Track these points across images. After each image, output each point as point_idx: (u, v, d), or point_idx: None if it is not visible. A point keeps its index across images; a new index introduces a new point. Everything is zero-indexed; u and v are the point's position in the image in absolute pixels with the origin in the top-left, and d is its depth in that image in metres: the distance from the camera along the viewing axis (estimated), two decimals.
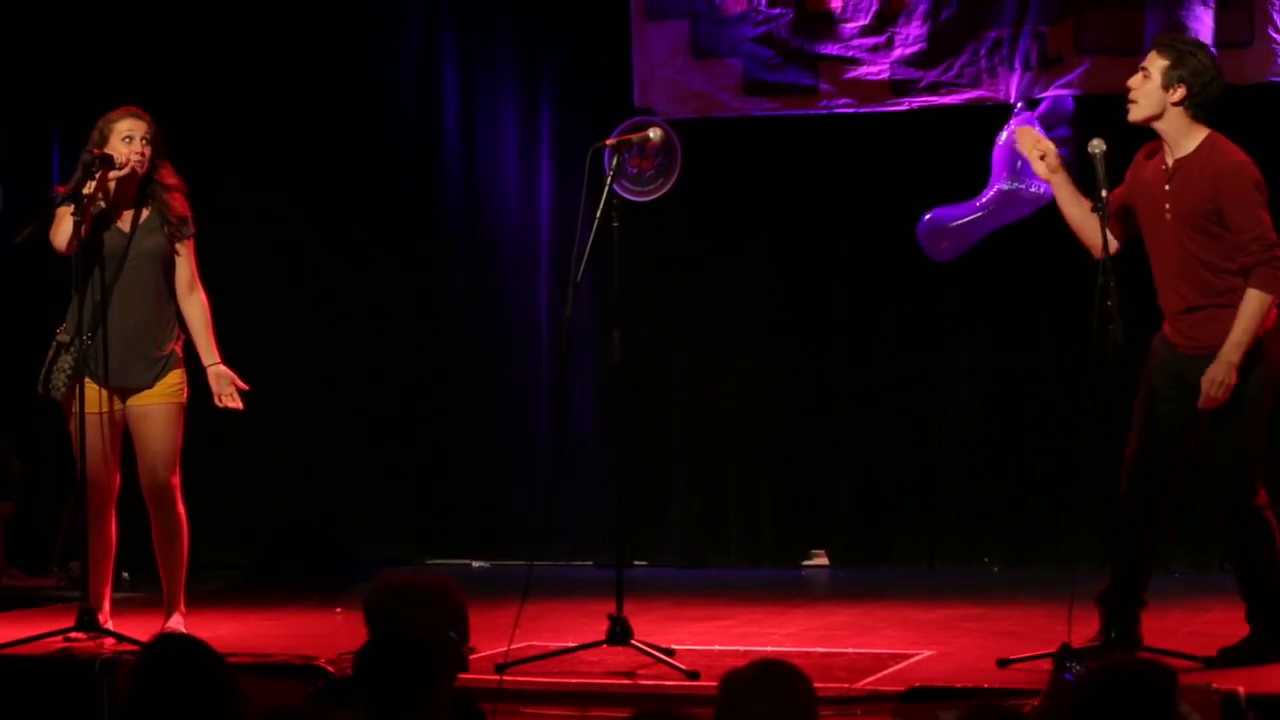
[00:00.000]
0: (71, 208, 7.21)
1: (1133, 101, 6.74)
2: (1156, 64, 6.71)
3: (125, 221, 7.41)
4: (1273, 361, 6.66)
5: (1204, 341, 6.66)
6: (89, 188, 7.25)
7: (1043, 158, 6.94)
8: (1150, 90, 6.70)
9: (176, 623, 7.46)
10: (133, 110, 7.44)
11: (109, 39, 10.17)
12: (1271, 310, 6.62)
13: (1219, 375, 6.54)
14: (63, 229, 7.26)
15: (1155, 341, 6.86)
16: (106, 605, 7.45)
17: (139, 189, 7.42)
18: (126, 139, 7.35)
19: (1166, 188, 6.70)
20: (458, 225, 10.42)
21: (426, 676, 4.12)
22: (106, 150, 7.31)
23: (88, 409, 7.32)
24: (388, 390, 10.45)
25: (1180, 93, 6.66)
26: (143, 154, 7.35)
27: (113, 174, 7.31)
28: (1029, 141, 7.04)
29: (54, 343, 7.43)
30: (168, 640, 4.45)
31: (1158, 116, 6.70)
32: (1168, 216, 6.70)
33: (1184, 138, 6.69)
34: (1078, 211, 6.89)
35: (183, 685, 4.10)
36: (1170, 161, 6.72)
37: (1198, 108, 6.68)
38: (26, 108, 10.16)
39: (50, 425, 9.00)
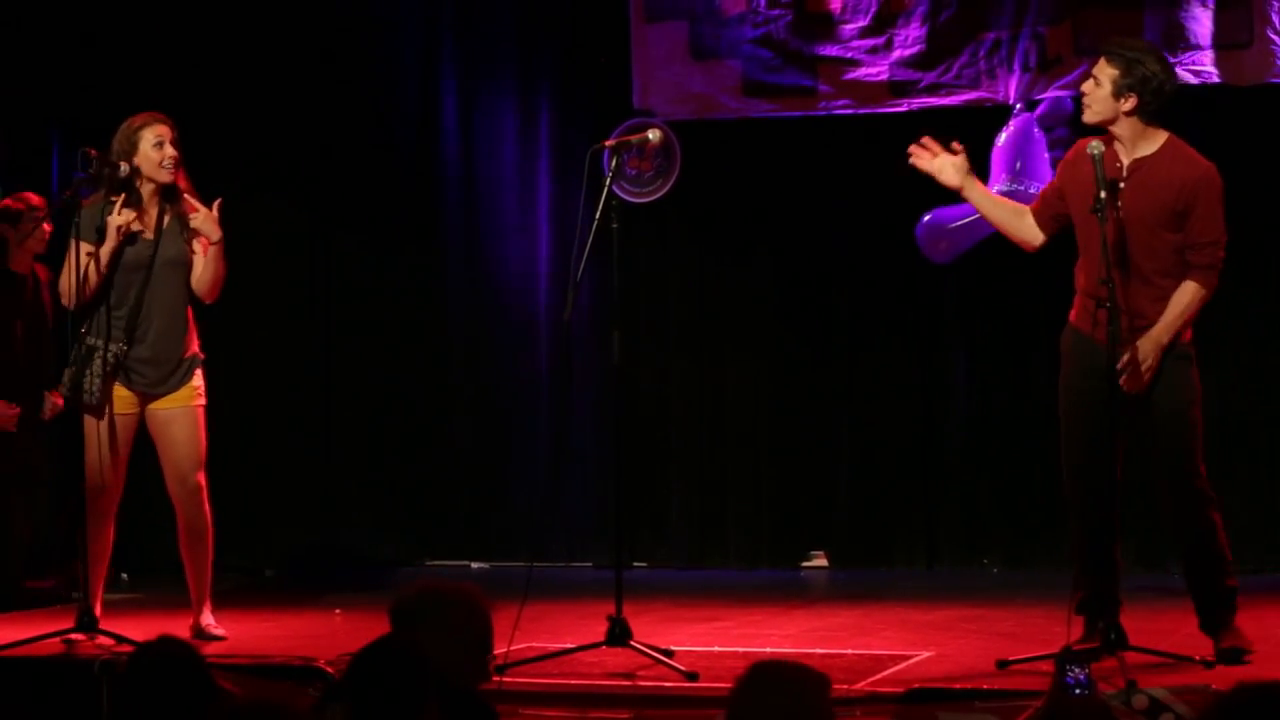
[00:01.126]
0: (91, 248, 7.28)
1: (1086, 106, 6.82)
2: (1106, 72, 6.75)
3: (150, 229, 7.44)
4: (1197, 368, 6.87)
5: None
6: (122, 217, 7.31)
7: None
8: (1102, 98, 6.76)
9: (209, 619, 7.58)
10: (158, 115, 7.50)
11: (109, 39, 10.17)
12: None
13: (1149, 358, 6.70)
14: (71, 281, 7.30)
15: (1069, 344, 7.01)
16: (98, 606, 7.47)
17: (161, 196, 7.46)
18: (157, 144, 7.41)
19: (1121, 186, 6.76)
20: (457, 226, 10.42)
21: (416, 691, 4.11)
22: (137, 159, 7.36)
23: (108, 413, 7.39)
24: (387, 391, 10.45)
25: (1131, 102, 6.73)
26: (175, 158, 7.42)
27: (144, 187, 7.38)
28: (928, 163, 7.00)
29: (81, 347, 7.43)
30: (151, 647, 4.45)
31: (1111, 121, 6.78)
32: (1119, 214, 6.76)
33: (1141, 140, 6.78)
34: (998, 213, 7.07)
35: (166, 690, 4.09)
36: (1126, 161, 6.80)
37: (1150, 114, 6.76)
38: (26, 108, 10.16)
39: (50, 426, 8.98)
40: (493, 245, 10.38)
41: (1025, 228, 7.04)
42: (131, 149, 7.40)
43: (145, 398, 7.49)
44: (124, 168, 7.40)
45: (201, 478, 7.54)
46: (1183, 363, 6.83)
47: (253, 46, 10.26)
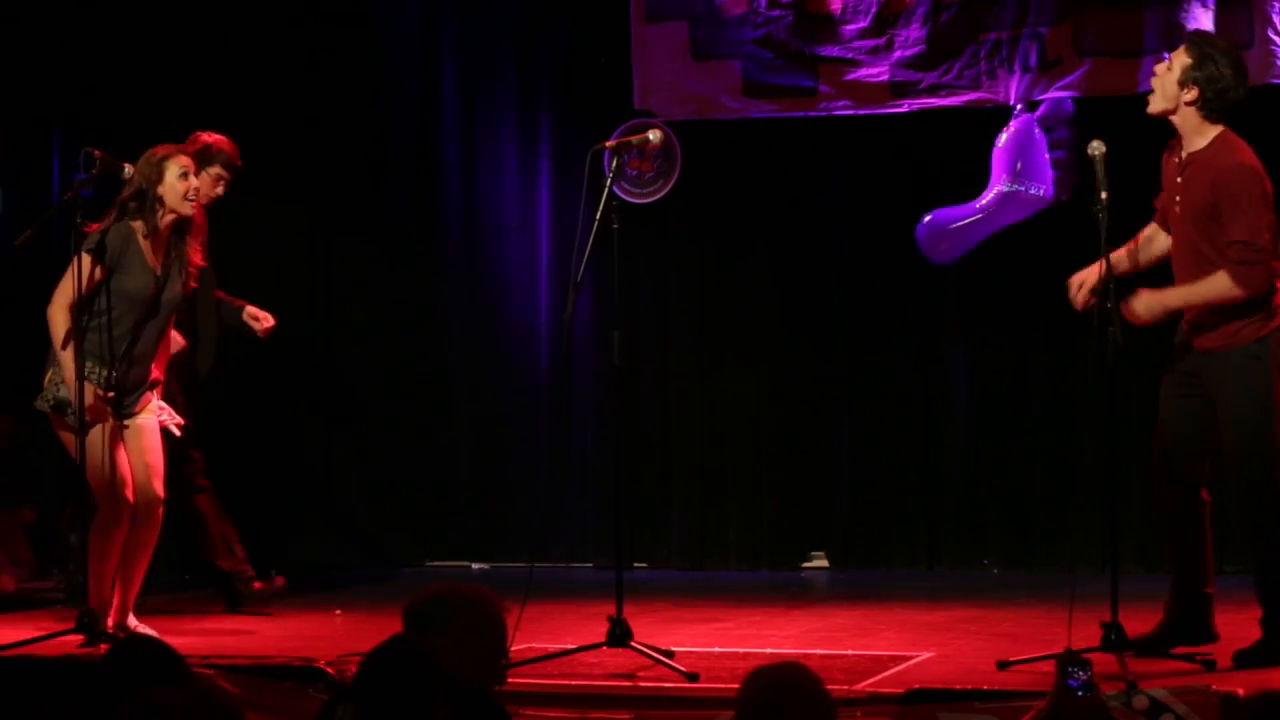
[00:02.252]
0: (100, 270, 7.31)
1: (1153, 90, 6.86)
2: (1180, 59, 6.81)
3: (157, 263, 7.44)
4: (1277, 363, 6.73)
5: (1218, 341, 6.75)
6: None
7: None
8: (1169, 83, 6.80)
9: (133, 619, 7.55)
10: (181, 147, 7.54)
11: (109, 39, 10.17)
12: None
13: (1147, 308, 6.68)
14: (71, 295, 7.32)
15: (1177, 337, 6.95)
16: (130, 616, 7.50)
17: (174, 229, 7.47)
18: (182, 175, 7.44)
19: (1179, 180, 6.82)
20: (458, 227, 10.41)
21: (424, 692, 4.10)
22: (161, 189, 7.36)
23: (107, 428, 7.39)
24: (388, 392, 10.45)
25: (1192, 93, 6.76)
26: (198, 190, 7.47)
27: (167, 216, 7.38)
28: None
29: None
30: (132, 643, 4.45)
31: (1172, 111, 6.81)
32: (1177, 209, 6.82)
33: (1196, 134, 6.79)
34: (1137, 261, 7.01)
35: (144, 685, 4.09)
36: (1184, 155, 6.83)
37: (1211, 110, 6.76)
38: (26, 108, 10.16)
39: (49, 427, 8.99)
40: (493, 245, 10.38)
41: (1160, 248, 6.99)
42: (157, 178, 7.40)
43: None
44: (127, 170, 7.40)
45: (162, 488, 7.54)
46: (1252, 362, 6.73)
47: (252, 46, 10.25)
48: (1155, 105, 6.85)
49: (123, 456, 7.38)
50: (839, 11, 9.49)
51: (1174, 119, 6.82)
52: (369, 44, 10.41)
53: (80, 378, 7.27)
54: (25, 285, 9.67)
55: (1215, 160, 6.72)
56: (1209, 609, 6.86)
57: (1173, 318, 6.81)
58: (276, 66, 10.27)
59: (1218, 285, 6.65)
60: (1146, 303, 6.72)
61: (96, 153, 7.38)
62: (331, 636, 7.68)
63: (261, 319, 8.37)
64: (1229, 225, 6.64)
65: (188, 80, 10.13)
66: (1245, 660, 6.64)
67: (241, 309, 8.41)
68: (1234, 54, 6.97)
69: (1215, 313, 6.73)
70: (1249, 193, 6.65)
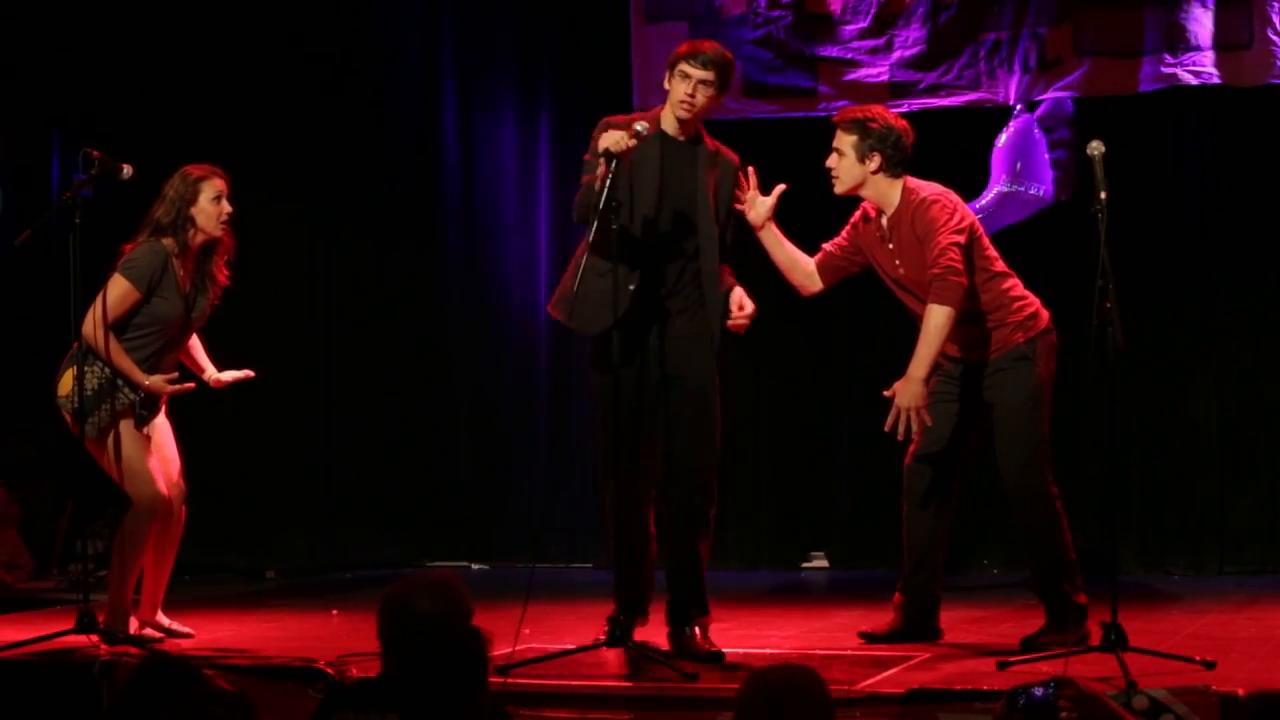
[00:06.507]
0: (137, 294, 7.29)
1: (835, 178, 7.08)
2: (845, 143, 7.03)
3: (185, 282, 7.42)
4: (1040, 365, 7.03)
5: (977, 356, 7.04)
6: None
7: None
8: (848, 166, 7.04)
9: (166, 619, 7.54)
10: (216, 169, 7.49)
11: (109, 39, 10.18)
12: (1022, 316, 7.01)
13: (909, 395, 6.80)
14: (99, 319, 7.27)
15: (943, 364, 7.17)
16: (158, 613, 7.52)
17: (202, 249, 7.46)
18: (216, 199, 7.42)
19: (890, 247, 7.04)
20: (457, 227, 10.42)
21: (468, 680, 4.09)
22: (194, 211, 7.34)
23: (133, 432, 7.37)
24: (387, 392, 10.45)
25: (876, 160, 7.00)
26: (230, 214, 7.43)
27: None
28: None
29: (96, 381, 7.34)
30: (155, 663, 4.44)
31: (861, 186, 7.03)
32: (901, 271, 7.03)
33: (890, 196, 7.03)
34: (784, 256, 7.34)
35: (167, 708, 4.08)
36: (885, 223, 7.06)
37: (894, 165, 7.01)
38: (26, 108, 10.16)
39: (52, 429, 9.00)
40: (493, 245, 10.38)
41: (808, 279, 7.35)
42: (190, 199, 7.38)
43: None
44: (126, 170, 7.38)
45: (182, 480, 7.55)
46: (1022, 363, 7.01)
47: (253, 46, 10.26)
48: (843, 186, 7.10)
49: (152, 457, 7.38)
50: (839, 12, 9.49)
51: (864, 193, 7.06)
52: (369, 44, 10.42)
53: (101, 396, 7.28)
54: (25, 285, 9.70)
55: (908, 211, 6.97)
56: (936, 608, 7.19)
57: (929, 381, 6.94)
58: (277, 69, 10.27)
59: (934, 319, 6.83)
60: (904, 392, 6.83)
61: (95, 153, 7.36)
62: (331, 636, 7.67)
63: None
64: (927, 256, 6.87)
65: (188, 80, 10.13)
66: (1032, 645, 6.86)
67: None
68: (877, 107, 7.25)
69: (976, 337, 6.97)
70: (929, 219, 6.90)
